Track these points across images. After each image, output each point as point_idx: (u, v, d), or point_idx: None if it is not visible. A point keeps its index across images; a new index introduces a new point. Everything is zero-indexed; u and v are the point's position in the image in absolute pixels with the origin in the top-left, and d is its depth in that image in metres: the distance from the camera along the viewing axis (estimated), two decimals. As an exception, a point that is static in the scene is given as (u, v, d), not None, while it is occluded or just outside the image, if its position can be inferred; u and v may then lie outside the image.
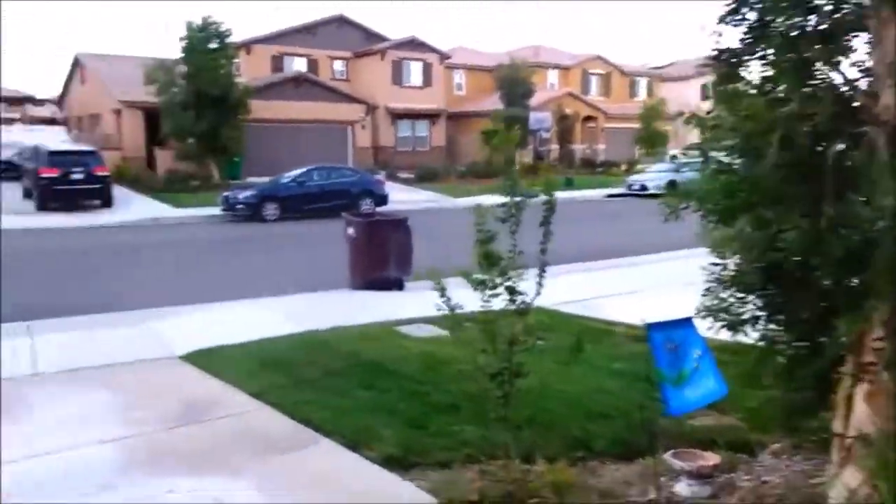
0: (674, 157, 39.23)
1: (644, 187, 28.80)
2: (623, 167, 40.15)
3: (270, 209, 20.51)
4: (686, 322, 3.84)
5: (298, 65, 35.77)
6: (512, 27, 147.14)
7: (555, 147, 39.58)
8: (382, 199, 22.38)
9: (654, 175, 29.67)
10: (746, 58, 3.40)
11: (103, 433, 4.66)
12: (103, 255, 14.44)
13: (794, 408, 3.56)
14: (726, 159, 3.64)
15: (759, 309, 3.66)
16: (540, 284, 4.00)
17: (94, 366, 6.25)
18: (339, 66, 37.78)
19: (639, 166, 38.44)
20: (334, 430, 4.58)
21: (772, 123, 3.07)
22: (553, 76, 44.28)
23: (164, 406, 5.20)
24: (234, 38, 27.80)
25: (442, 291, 4.14)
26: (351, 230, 10.18)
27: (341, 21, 37.82)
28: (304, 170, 21.99)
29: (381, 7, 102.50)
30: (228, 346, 6.78)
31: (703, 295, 3.83)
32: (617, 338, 7.48)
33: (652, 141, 38.06)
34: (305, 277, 11.43)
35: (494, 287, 3.91)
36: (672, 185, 28.77)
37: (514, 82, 33.86)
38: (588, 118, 41.68)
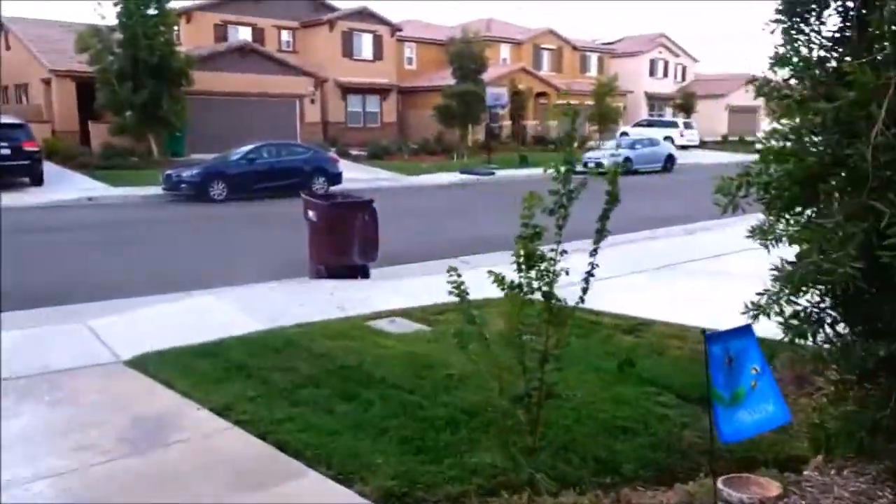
0: (624, 133, 39.38)
1: (600, 164, 28.54)
2: (575, 144, 39.93)
3: (217, 188, 19.35)
4: (745, 331, 3.29)
5: (243, 34, 34.14)
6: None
7: (507, 124, 39.06)
8: (336, 178, 21.44)
9: (609, 152, 29.47)
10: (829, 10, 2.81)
11: (33, 467, 3.87)
12: (32, 238, 13.23)
13: (878, 428, 3.04)
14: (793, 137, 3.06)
15: (839, 313, 3.12)
16: (585, 290, 3.40)
17: (15, 376, 5.37)
18: (285, 36, 36.25)
19: (591, 143, 38.29)
20: (318, 457, 3.90)
21: (874, 92, 2.49)
22: (505, 51, 43.60)
23: (107, 428, 4.42)
24: (174, 4, 26.15)
25: (458, 288, 3.47)
26: (311, 213, 9.39)
27: (287, -11, 36.24)
28: (253, 146, 20.84)
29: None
30: (182, 347, 5.99)
31: (760, 294, 3.26)
32: (605, 330, 6.97)
33: (604, 118, 37.88)
34: (261, 264, 10.59)
35: (532, 292, 3.26)
36: (628, 161, 28.70)
37: (467, 57, 33.04)
38: (540, 94, 41.24)
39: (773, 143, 3.08)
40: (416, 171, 26.97)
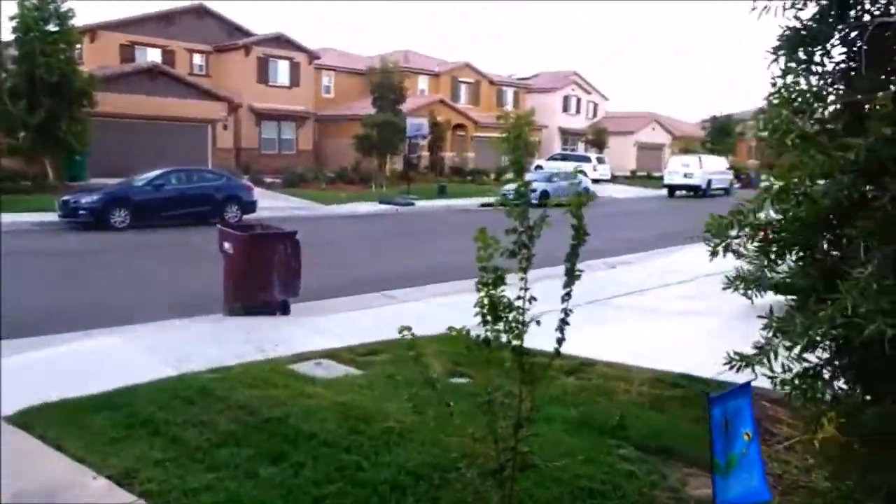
0: (539, 166, 40.03)
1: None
2: (492, 176, 40.30)
3: (120, 216, 18.07)
4: (744, 390, 2.97)
5: (152, 56, 32.71)
6: (380, 30, 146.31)
7: (425, 154, 38.99)
8: (250, 206, 20.52)
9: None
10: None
11: None
12: None
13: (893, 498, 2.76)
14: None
15: (852, 372, 2.85)
16: (560, 340, 3.02)
17: None
18: (198, 59, 35.03)
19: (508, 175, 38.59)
20: (243, 537, 3.31)
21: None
22: (423, 82, 43.74)
23: (-19, 505, 3.66)
24: (78, 21, 24.66)
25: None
26: (228, 245, 8.69)
27: (201, 11, 35.12)
28: (161, 171, 19.66)
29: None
30: (77, 398, 5.22)
31: (759, 348, 2.96)
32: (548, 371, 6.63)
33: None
34: (169, 299, 9.75)
35: (501, 348, 2.85)
36: (545, 195, 28.97)
37: (386, 87, 32.85)
38: (458, 126, 41.48)
39: (774, 181, 2.80)
40: (333, 200, 26.31)
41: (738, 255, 2.93)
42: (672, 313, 9.13)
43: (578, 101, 55.14)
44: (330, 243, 16.19)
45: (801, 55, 2.75)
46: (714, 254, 2.88)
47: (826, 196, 2.38)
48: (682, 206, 31.98)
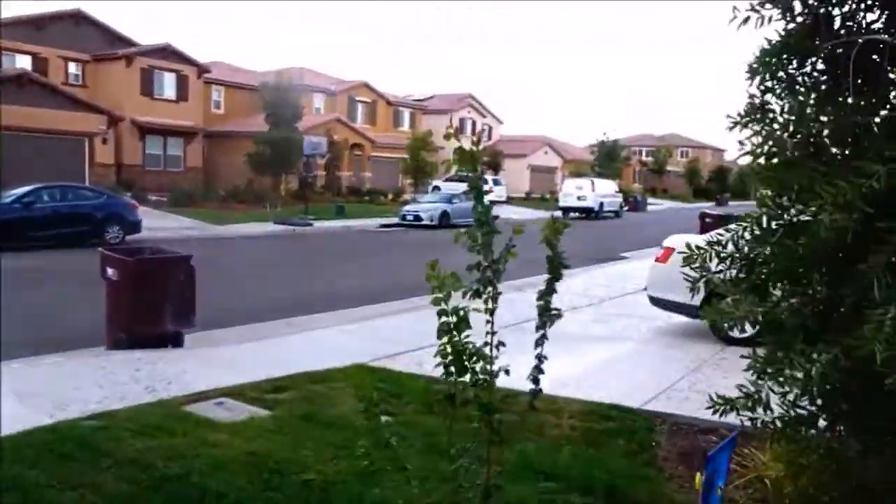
0: (436, 188, 40.10)
1: (418, 217, 28.50)
2: (389, 196, 39.95)
3: (-19, 236, 16.30)
4: (730, 443, 2.69)
5: (21, 63, 30.19)
6: (274, 46, 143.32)
7: (321, 174, 38.13)
8: (134, 227, 19.10)
9: (427, 206, 29.58)
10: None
11: None
12: None
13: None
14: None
15: (852, 421, 2.62)
16: (536, 393, 2.63)
17: None
18: (74, 68, 32.68)
19: (406, 196, 38.50)
20: None
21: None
22: (319, 101, 42.90)
23: None
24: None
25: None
26: (112, 271, 7.81)
27: (78, 17, 32.84)
28: (31, 188, 17.94)
29: (130, 7, 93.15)
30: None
31: (746, 394, 2.70)
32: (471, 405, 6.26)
33: (421, 171, 38.34)
34: (40, 332, 8.68)
35: (465, 403, 2.44)
36: (445, 216, 28.92)
37: (281, 104, 31.84)
38: (355, 145, 40.91)
39: (764, 208, 2.55)
40: (226, 220, 25.07)
41: (715, 289, 2.67)
42: (588, 338, 9.03)
43: (474, 123, 55.90)
44: (225, 266, 15.25)
45: (781, 73, 2.54)
46: (694, 290, 2.60)
47: (832, 228, 2.16)
48: (577, 228, 32.77)
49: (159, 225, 21.98)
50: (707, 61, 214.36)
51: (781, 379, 2.40)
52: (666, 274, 8.99)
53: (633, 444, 5.12)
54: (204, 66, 36.22)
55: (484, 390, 2.63)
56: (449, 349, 2.58)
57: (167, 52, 34.07)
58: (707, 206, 55.03)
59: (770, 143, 2.35)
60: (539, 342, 2.79)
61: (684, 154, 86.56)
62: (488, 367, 2.64)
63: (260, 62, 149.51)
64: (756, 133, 2.46)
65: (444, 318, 2.55)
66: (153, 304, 7.63)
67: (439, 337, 2.60)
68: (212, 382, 6.43)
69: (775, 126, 2.45)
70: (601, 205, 38.19)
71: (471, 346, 2.60)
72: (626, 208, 42.77)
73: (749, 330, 8.16)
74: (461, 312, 2.58)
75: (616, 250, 21.32)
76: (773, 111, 2.45)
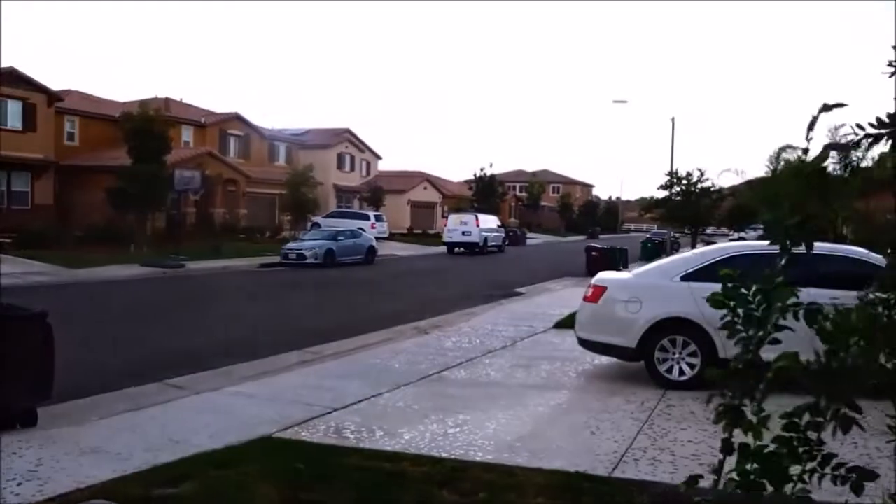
0: (315, 224, 38.59)
1: (302, 256, 26.98)
2: (267, 234, 37.98)
3: None
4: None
5: None
6: (136, 75, 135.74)
7: (192, 210, 35.62)
8: (-29, 273, 16.45)
9: (311, 243, 28.16)
10: None
11: None
12: None
13: None
14: None
15: None
16: None
17: None
18: None
19: (285, 233, 36.77)
20: None
21: None
22: (187, 133, 40.32)
23: None
24: None
25: None
26: (-61, 334, 6.12)
27: None
28: None
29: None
30: None
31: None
32: (416, 482, 5.23)
33: (301, 207, 36.78)
34: None
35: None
36: (330, 254, 27.55)
37: (146, 136, 29.38)
38: (229, 181, 38.68)
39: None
40: (84, 262, 22.44)
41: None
42: (517, 387, 8.22)
43: (352, 158, 54.92)
44: (86, 317, 13.26)
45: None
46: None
47: None
48: (465, 264, 32.43)
49: (4, 270, 19.19)
50: (576, 99, 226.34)
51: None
52: (597, 314, 8.41)
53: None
54: (56, 93, 33.01)
55: None
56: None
57: (13, 78, 30.69)
58: (581, 240, 56.97)
59: None
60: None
61: (556, 189, 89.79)
62: None
63: (121, 92, 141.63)
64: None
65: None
66: (-3, 377, 6.02)
67: None
68: (79, 477, 5.02)
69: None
70: (485, 239, 38.20)
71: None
72: (507, 243, 43.14)
73: (687, 374, 7.78)
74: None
75: (510, 286, 20.92)
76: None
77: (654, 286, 8.08)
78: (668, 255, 33.28)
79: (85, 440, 5.99)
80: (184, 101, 43.86)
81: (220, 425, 6.51)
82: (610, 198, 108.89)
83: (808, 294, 6.94)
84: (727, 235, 51.18)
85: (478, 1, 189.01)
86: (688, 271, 7.89)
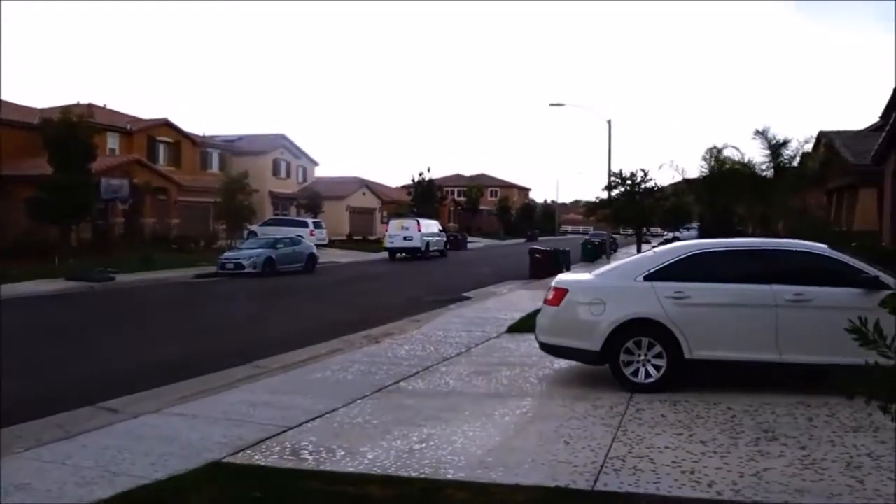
0: (252, 233, 37.43)
1: (239, 265, 26.02)
2: (201, 244, 36.65)
3: None
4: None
5: None
6: (57, 82, 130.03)
7: (120, 221, 34.06)
8: None
9: (249, 252, 27.20)
10: None
11: None
12: None
13: None
14: None
15: None
16: None
17: None
18: None
19: (220, 242, 35.58)
20: None
21: None
22: (113, 140, 38.55)
23: None
24: None
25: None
26: None
27: None
28: None
29: None
30: None
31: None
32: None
33: (236, 215, 35.62)
34: None
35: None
36: (270, 263, 26.65)
37: (69, 143, 27.83)
38: (159, 189, 37.16)
39: None
40: (1, 278, 21.00)
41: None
42: (478, 396, 7.87)
43: (288, 164, 53.77)
44: (4, 338, 12.24)
45: None
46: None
47: None
48: (409, 269, 31.99)
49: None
50: (512, 104, 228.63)
51: None
52: (559, 317, 8.15)
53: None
54: (-33, 99, 31.05)
55: None
56: None
57: (-82, 82, 28.68)
58: (520, 243, 57.27)
59: None
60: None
61: (493, 193, 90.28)
62: None
63: (38, 97, 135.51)
64: None
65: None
66: None
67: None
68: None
69: None
70: (427, 244, 37.87)
71: None
72: (448, 247, 42.93)
73: (654, 376, 7.59)
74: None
75: (456, 290, 20.63)
76: None
77: (617, 287, 7.87)
78: (608, 255, 33.73)
79: (8, 476, 5.32)
80: (108, 106, 42.05)
81: (163, 451, 5.93)
82: (546, 200, 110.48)
83: (772, 290, 6.78)
84: (661, 235, 52.36)
85: (413, 2, 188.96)
86: (651, 271, 7.69)
